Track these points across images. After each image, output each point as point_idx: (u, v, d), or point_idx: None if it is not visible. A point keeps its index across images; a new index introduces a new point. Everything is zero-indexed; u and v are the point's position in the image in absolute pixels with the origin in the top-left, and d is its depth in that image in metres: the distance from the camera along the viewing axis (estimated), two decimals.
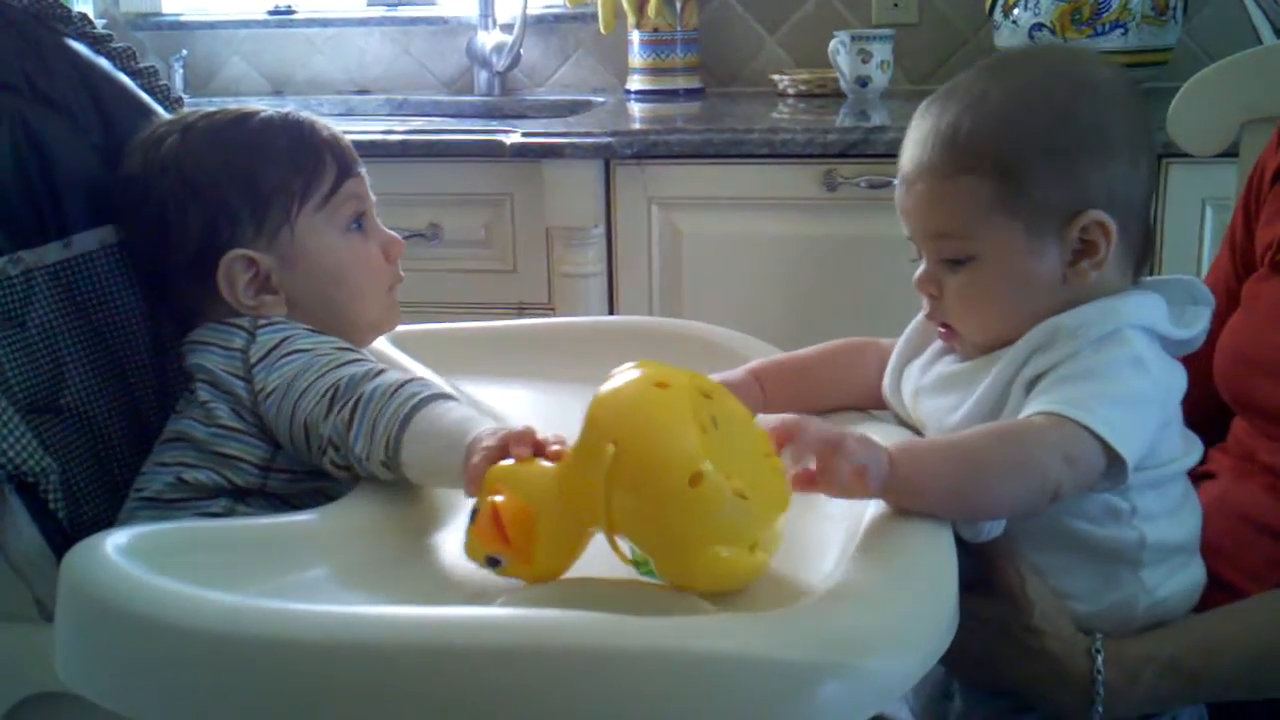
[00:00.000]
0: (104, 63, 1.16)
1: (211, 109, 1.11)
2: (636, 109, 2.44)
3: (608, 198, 2.08)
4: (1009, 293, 0.95)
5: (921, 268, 0.99)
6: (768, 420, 0.87)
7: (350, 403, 0.95)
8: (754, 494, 0.82)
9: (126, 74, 1.17)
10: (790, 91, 2.50)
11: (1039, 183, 0.93)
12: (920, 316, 1.04)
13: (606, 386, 0.83)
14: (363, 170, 1.12)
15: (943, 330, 1.00)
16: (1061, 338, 0.92)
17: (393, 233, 1.13)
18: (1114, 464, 0.87)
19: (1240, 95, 1.58)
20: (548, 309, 2.14)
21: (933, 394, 1.00)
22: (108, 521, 1.04)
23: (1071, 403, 0.87)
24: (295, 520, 0.92)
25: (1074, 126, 0.93)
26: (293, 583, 0.84)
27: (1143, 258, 0.99)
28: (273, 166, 1.07)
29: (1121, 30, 2.26)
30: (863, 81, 2.38)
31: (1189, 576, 0.98)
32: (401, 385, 0.95)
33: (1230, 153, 1.58)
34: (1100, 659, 0.94)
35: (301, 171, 1.08)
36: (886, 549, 0.83)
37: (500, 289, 2.14)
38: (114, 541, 0.80)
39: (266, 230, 1.06)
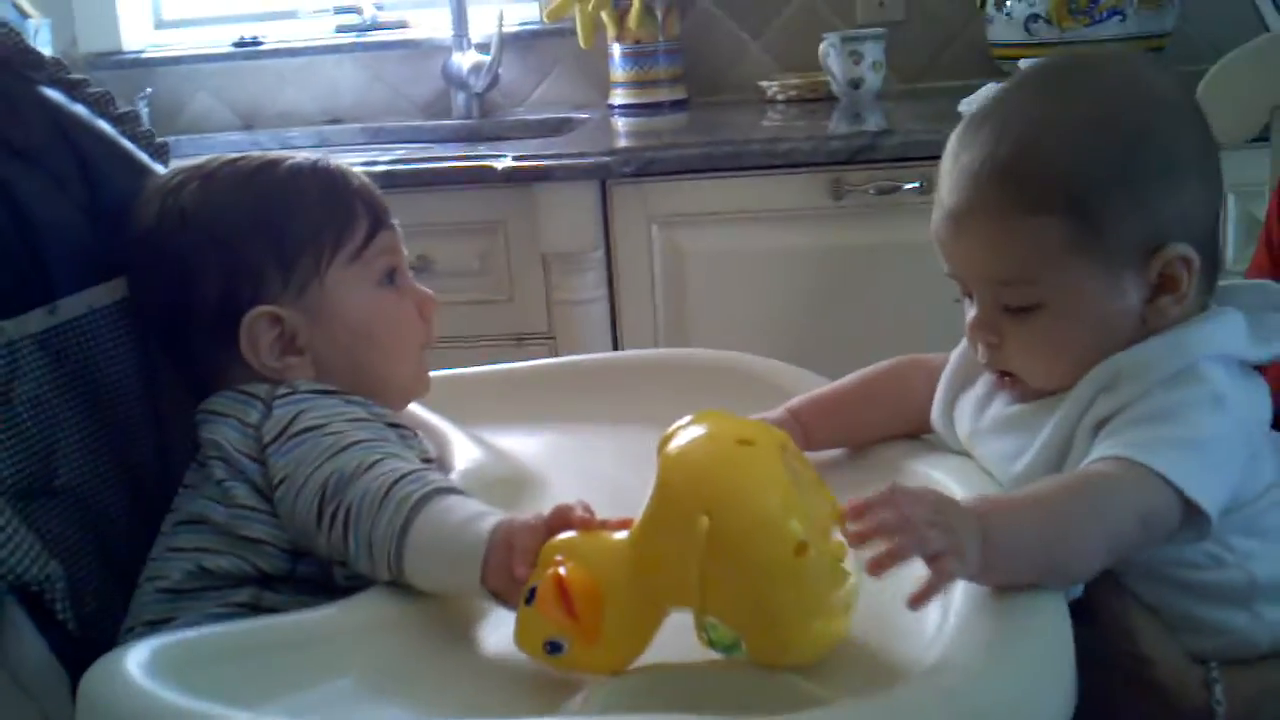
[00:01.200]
0: (81, 110, 1.06)
1: (233, 155, 1.03)
2: (622, 124, 2.37)
3: (605, 219, 2.00)
4: (1083, 338, 0.87)
5: (973, 313, 0.90)
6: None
7: (341, 514, 0.85)
8: (845, 551, 0.74)
9: (106, 120, 1.08)
10: (779, 98, 2.43)
11: (1116, 220, 0.84)
12: (965, 343, 0.96)
13: (677, 445, 0.74)
14: (395, 222, 1.04)
15: (1004, 378, 0.91)
16: (1126, 377, 0.84)
17: (426, 289, 1.05)
18: (1194, 514, 0.79)
19: (1271, 79, 1.52)
20: (548, 339, 2.06)
21: (992, 437, 0.92)
22: (115, 615, 0.95)
23: (1144, 447, 0.79)
24: (323, 615, 0.82)
25: (1148, 153, 0.85)
26: (332, 691, 0.75)
27: (1215, 278, 0.90)
28: (301, 217, 0.99)
29: (1119, 17, 2.21)
30: (855, 84, 2.31)
31: None
32: (392, 486, 0.85)
33: (1260, 138, 1.52)
34: (1218, 689, 0.86)
35: (332, 223, 0.99)
36: (993, 611, 0.75)
37: (498, 320, 2.05)
38: (135, 659, 0.71)
39: (294, 285, 0.98)
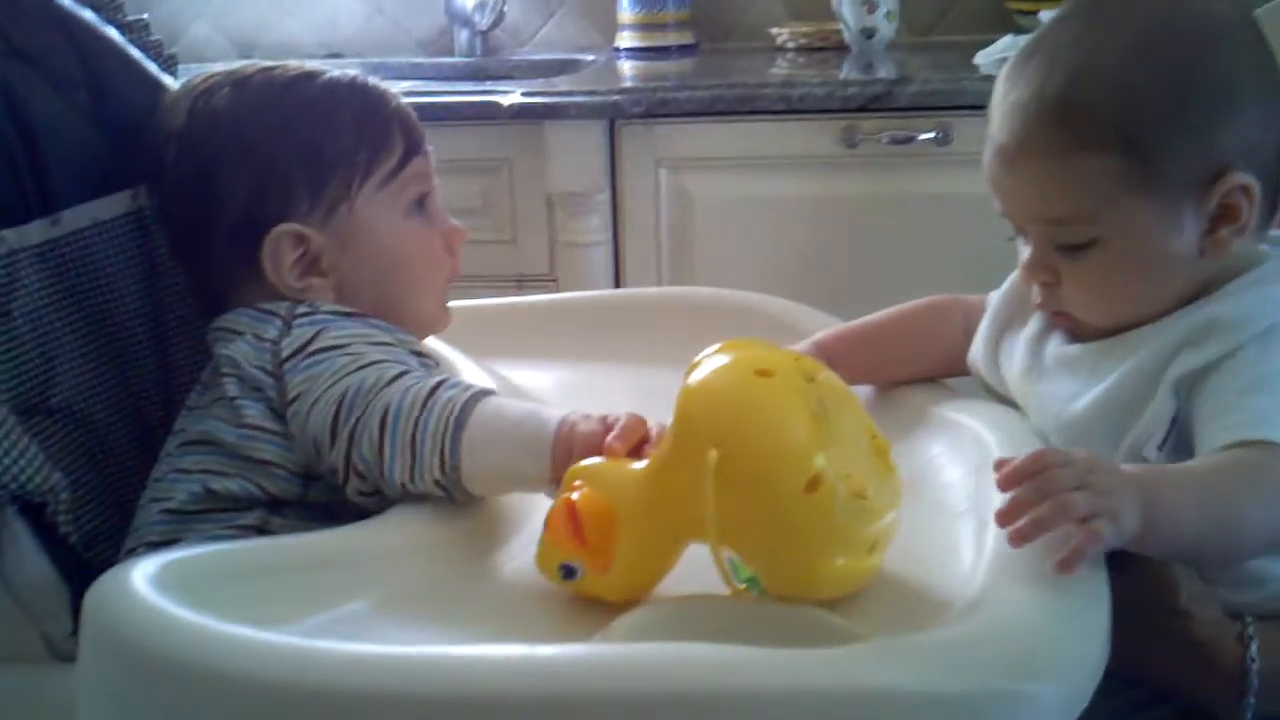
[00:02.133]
0: (88, 14, 1.02)
1: (269, 63, 0.99)
2: (628, 67, 2.32)
3: (612, 161, 1.96)
4: (1141, 275, 0.85)
5: (1028, 254, 0.88)
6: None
7: (371, 424, 0.82)
8: (868, 488, 0.71)
9: (114, 26, 1.04)
10: (790, 45, 2.38)
11: (1172, 153, 0.82)
12: (1012, 281, 0.94)
13: (697, 376, 0.72)
14: (430, 148, 1.00)
15: (1055, 315, 0.90)
16: (1217, 332, 0.81)
17: (455, 221, 1.02)
18: None
19: None
20: (549, 280, 2.02)
21: (1051, 377, 0.89)
22: (114, 538, 0.93)
23: (1268, 421, 0.77)
24: (338, 537, 0.80)
25: (1203, 82, 0.82)
26: (347, 615, 0.73)
27: (1272, 214, 0.88)
28: (336, 135, 0.95)
29: None
30: (868, 33, 2.26)
31: None
32: (435, 389, 0.82)
33: None
34: (1254, 646, 0.84)
35: (367, 143, 0.96)
36: (1028, 551, 0.72)
37: (498, 261, 2.02)
38: (144, 572, 0.68)
39: (323, 205, 0.94)
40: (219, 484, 0.86)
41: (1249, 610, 0.85)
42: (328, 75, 0.98)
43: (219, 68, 1.00)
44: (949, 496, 0.84)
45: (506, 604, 0.76)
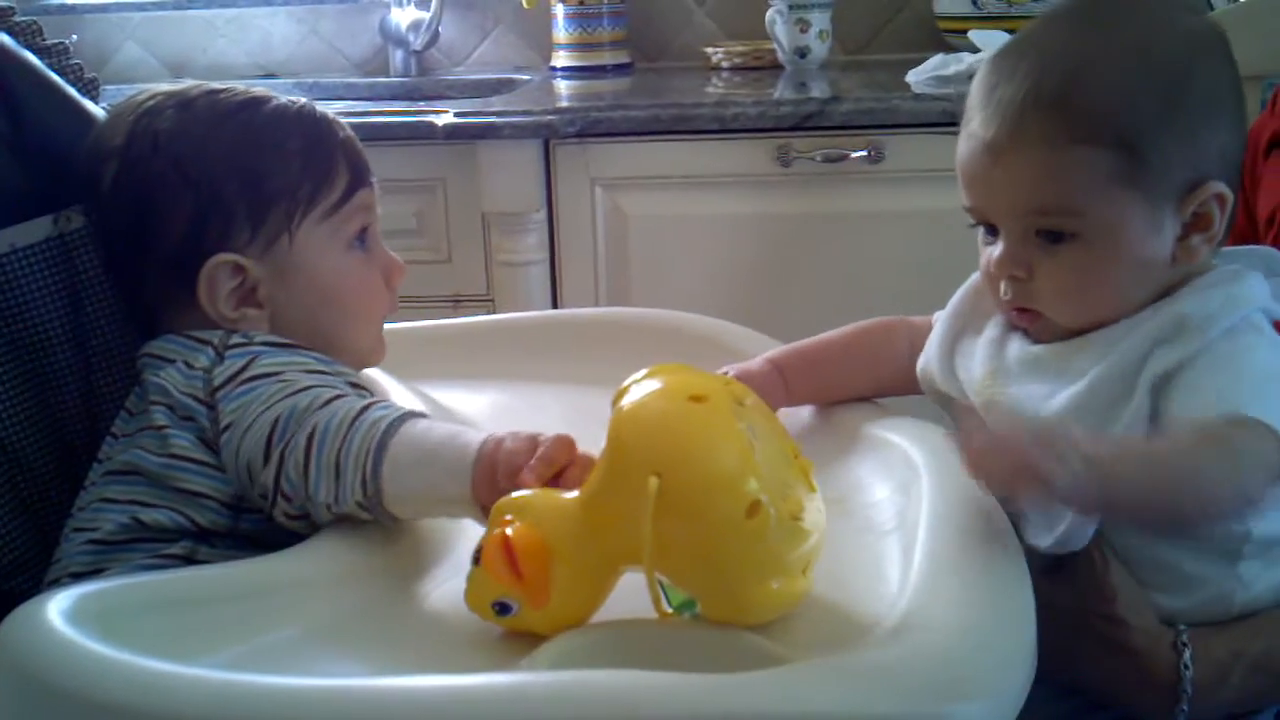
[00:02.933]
0: (5, 39, 1.01)
1: (215, 85, 0.97)
2: (564, 87, 2.32)
3: (548, 180, 1.96)
4: (1116, 273, 0.86)
5: (1001, 248, 0.89)
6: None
7: (300, 443, 0.81)
8: (802, 508, 0.72)
9: (32, 51, 1.02)
10: (724, 65, 2.40)
11: (1163, 154, 0.83)
12: (966, 288, 0.95)
13: (630, 401, 0.71)
14: (374, 180, 0.99)
15: (1020, 314, 0.90)
16: (1188, 329, 0.83)
17: (395, 256, 1.01)
18: None
19: (1249, 49, 1.51)
20: (486, 300, 2.01)
21: (1020, 378, 0.89)
22: (34, 569, 0.91)
23: (1245, 403, 0.78)
24: (260, 567, 0.78)
25: (1194, 90, 0.84)
26: (268, 646, 0.71)
27: (1231, 227, 0.90)
28: (281, 166, 0.93)
29: None
30: (801, 52, 2.28)
31: None
32: (361, 412, 0.81)
33: None
34: (1188, 653, 0.85)
35: (311, 176, 0.94)
36: (954, 568, 0.73)
37: (434, 281, 2.01)
38: (58, 605, 0.67)
39: (262, 237, 0.93)
40: (147, 515, 0.85)
41: (1182, 617, 0.87)
42: (275, 102, 0.96)
43: (163, 87, 0.98)
44: (876, 515, 0.84)
45: (431, 632, 0.75)
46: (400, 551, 0.82)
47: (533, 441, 0.78)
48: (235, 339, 0.90)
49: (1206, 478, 0.77)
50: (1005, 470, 0.72)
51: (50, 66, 1.04)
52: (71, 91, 1.04)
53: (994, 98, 0.87)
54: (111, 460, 0.89)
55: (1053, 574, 0.83)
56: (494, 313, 1.96)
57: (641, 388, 0.73)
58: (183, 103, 0.95)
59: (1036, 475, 0.70)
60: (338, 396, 0.84)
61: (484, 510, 0.75)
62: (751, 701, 0.59)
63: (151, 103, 0.95)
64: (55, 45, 1.05)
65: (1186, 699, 0.85)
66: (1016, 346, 0.91)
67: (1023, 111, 0.85)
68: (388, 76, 2.56)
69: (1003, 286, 0.89)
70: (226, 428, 0.84)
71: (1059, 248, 0.86)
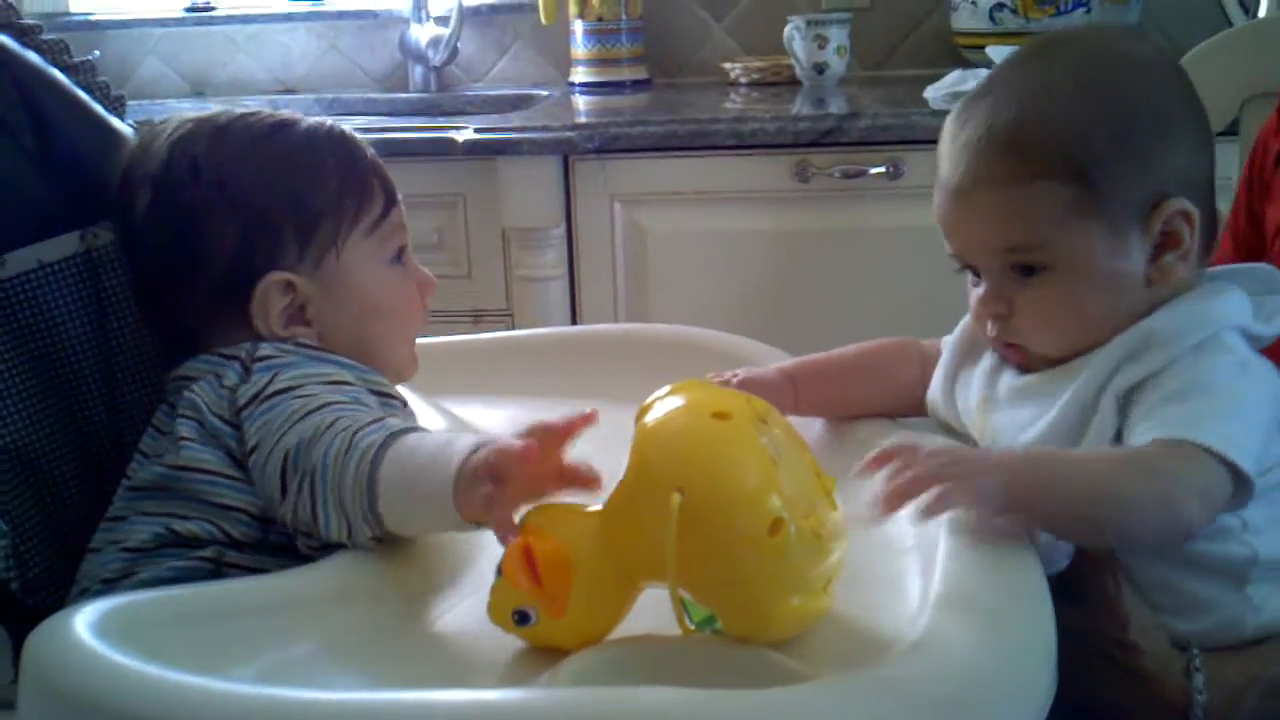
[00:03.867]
0: (33, 56, 1.02)
1: (244, 110, 0.99)
2: (583, 102, 2.33)
3: (567, 196, 1.97)
4: (1091, 300, 0.88)
5: (982, 288, 0.92)
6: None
7: (306, 482, 0.81)
8: (824, 525, 0.72)
9: (59, 69, 1.03)
10: (742, 80, 2.40)
11: (1116, 179, 0.85)
12: (966, 320, 0.96)
13: (654, 418, 0.72)
14: (401, 199, 1.01)
15: (1008, 349, 0.92)
16: (1154, 345, 0.84)
17: (427, 271, 1.03)
18: (1240, 484, 0.80)
19: (1239, 70, 1.52)
20: (505, 315, 2.02)
21: (1008, 406, 0.92)
22: (59, 584, 0.91)
23: (1189, 424, 0.80)
24: (283, 582, 0.79)
25: (1139, 113, 0.87)
26: (291, 660, 0.72)
27: (1211, 245, 0.91)
28: (321, 184, 0.95)
29: (1084, 8, 2.20)
30: (820, 68, 2.29)
31: None
32: (354, 437, 0.80)
33: (1229, 131, 1.52)
34: (1200, 678, 0.85)
35: (351, 194, 0.96)
36: (974, 586, 0.73)
37: (454, 295, 2.02)
38: (85, 619, 0.68)
39: (311, 254, 0.94)
40: (180, 525, 0.85)
41: (1196, 640, 0.87)
42: (306, 123, 0.98)
43: (191, 113, 0.99)
44: (895, 531, 0.84)
45: (448, 649, 0.75)
46: (419, 568, 0.82)
47: (510, 448, 0.74)
48: (263, 350, 0.91)
49: (1128, 498, 0.79)
50: (915, 484, 0.75)
51: (77, 84, 1.05)
52: (98, 108, 1.05)
53: (956, 143, 0.89)
54: (138, 478, 0.90)
55: (1064, 597, 0.83)
56: (513, 328, 1.97)
57: (665, 404, 0.73)
58: (217, 129, 0.96)
59: (938, 479, 0.74)
60: (340, 417, 0.83)
61: (481, 523, 0.75)
62: (771, 718, 0.59)
63: (184, 130, 0.96)
64: (82, 63, 1.06)
65: None
66: (1007, 377, 0.93)
67: (979, 153, 0.87)
68: (407, 92, 2.58)
69: (989, 325, 0.92)
70: (253, 450, 0.85)
71: (1033, 280, 0.88)
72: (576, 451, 0.99)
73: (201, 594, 0.77)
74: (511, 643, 0.75)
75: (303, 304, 0.94)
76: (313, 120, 0.99)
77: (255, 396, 0.87)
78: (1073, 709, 0.89)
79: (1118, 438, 0.85)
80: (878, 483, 0.76)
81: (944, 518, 0.80)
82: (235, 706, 0.62)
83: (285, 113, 1.00)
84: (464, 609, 0.79)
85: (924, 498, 0.74)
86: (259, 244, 0.93)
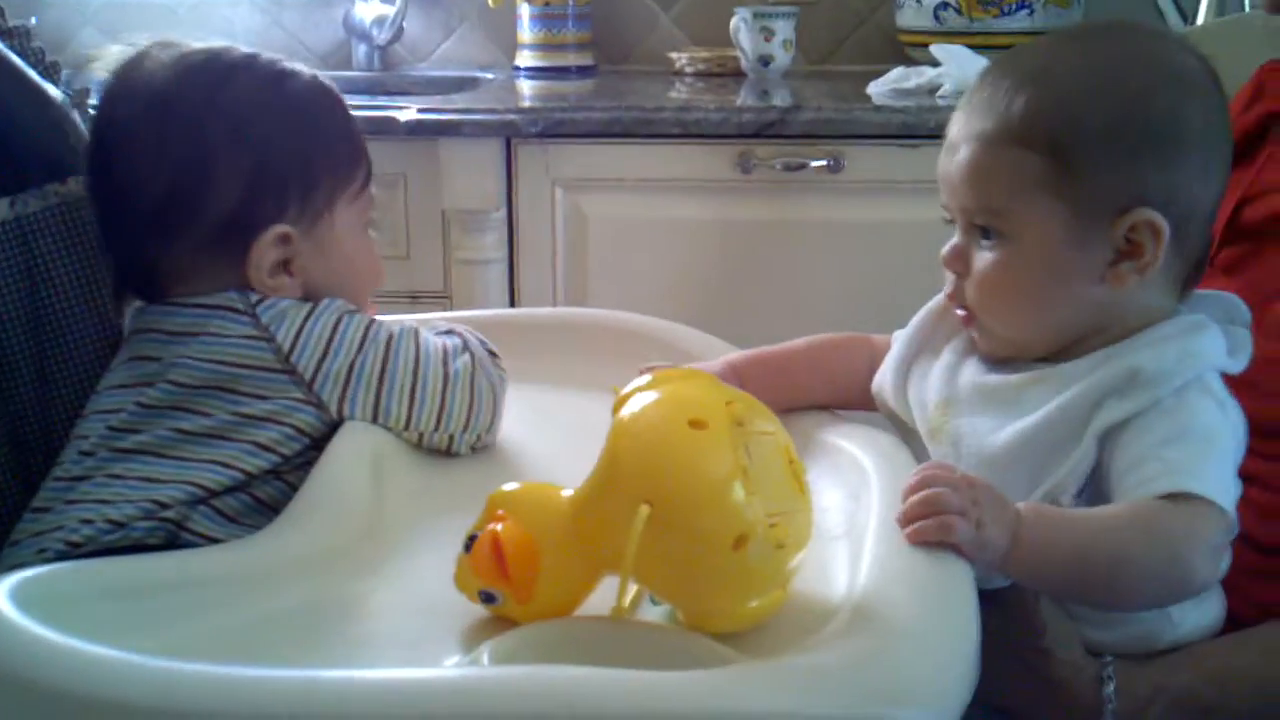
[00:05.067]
0: None
1: (243, 48, 0.99)
2: (527, 86, 2.32)
3: (508, 179, 1.96)
4: (1039, 280, 0.88)
5: (951, 241, 0.92)
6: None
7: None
8: (788, 533, 0.72)
9: None
10: (688, 70, 2.41)
11: (1092, 169, 0.85)
12: (928, 309, 0.97)
13: (630, 414, 0.71)
14: None
15: (962, 313, 0.92)
16: (1141, 384, 0.84)
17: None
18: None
19: None
20: (443, 297, 2.01)
21: (971, 410, 0.91)
22: None
23: (1189, 473, 0.80)
24: (208, 557, 0.79)
25: (1143, 117, 0.86)
26: (211, 633, 0.71)
27: (1195, 275, 0.91)
28: (325, 145, 0.97)
29: (1027, 11, 2.23)
30: (765, 61, 2.30)
31: (1212, 609, 0.91)
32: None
33: None
34: (1111, 686, 0.86)
35: (348, 156, 0.99)
36: (901, 576, 0.74)
37: (392, 276, 1.92)
38: (2, 590, 0.67)
39: (309, 212, 0.95)
40: (162, 493, 0.86)
41: (1110, 648, 0.88)
42: (304, 77, 0.99)
43: (194, 44, 0.98)
44: (826, 520, 0.85)
45: (378, 627, 0.75)
46: (356, 545, 0.82)
47: None
48: (258, 298, 0.93)
49: (1136, 562, 0.79)
50: (923, 515, 0.75)
51: (11, 48, 1.03)
52: (33, 75, 1.04)
53: (967, 102, 0.90)
54: (130, 436, 0.90)
55: (982, 599, 0.84)
56: (450, 310, 1.95)
57: (641, 400, 0.72)
58: (231, 64, 0.96)
59: (950, 529, 0.74)
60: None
61: None
62: (691, 701, 0.60)
63: (193, 59, 0.95)
64: (17, 28, 1.04)
65: None
66: (970, 374, 0.92)
67: (977, 113, 0.89)
68: (350, 71, 2.55)
69: (947, 282, 0.92)
70: (345, 383, 0.91)
71: (990, 244, 0.89)
72: (535, 436, 1.00)
73: (126, 565, 0.76)
74: (442, 619, 0.75)
75: (292, 257, 0.95)
76: (307, 71, 1.00)
77: (299, 337, 0.92)
78: (985, 709, 0.91)
79: (1091, 473, 0.85)
80: (908, 504, 0.76)
81: (874, 506, 0.82)
82: (152, 679, 0.61)
83: (280, 58, 1.00)
84: (398, 586, 0.79)
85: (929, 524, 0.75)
86: (267, 193, 0.94)
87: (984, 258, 0.89)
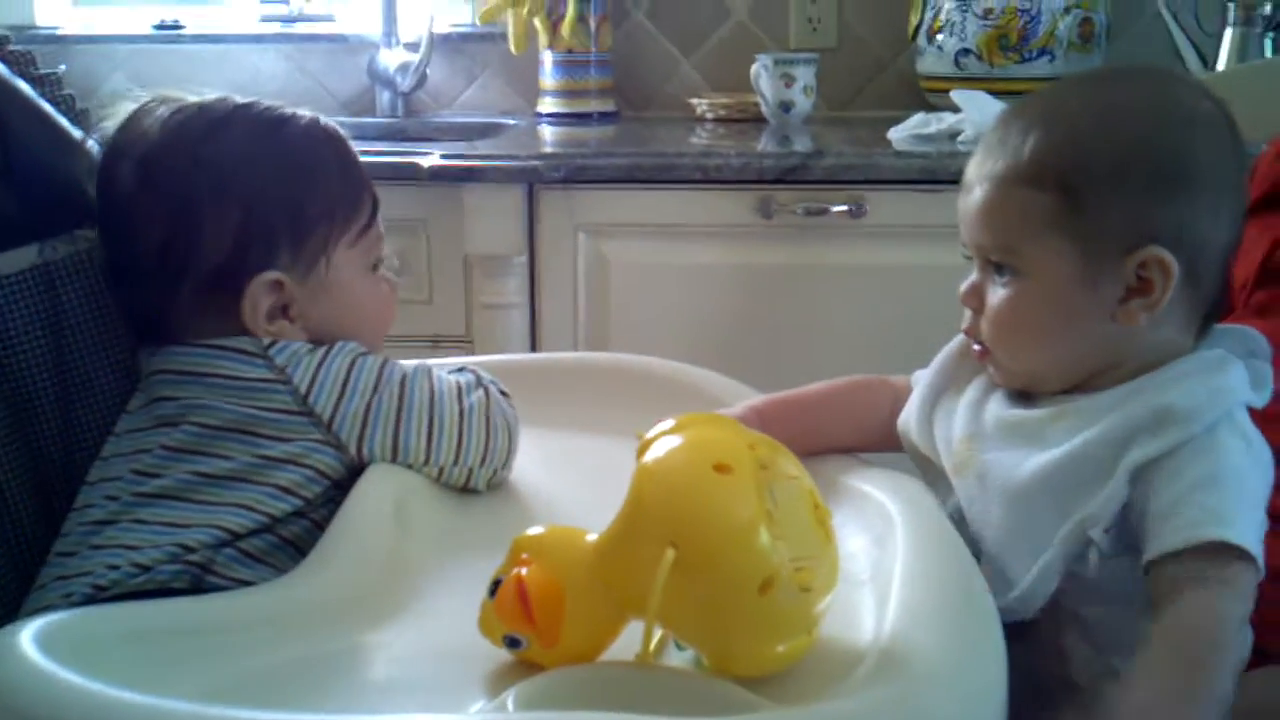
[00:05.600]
0: None
1: (240, 99, 1.00)
2: (549, 132, 2.34)
3: (530, 224, 1.97)
4: (1051, 317, 0.89)
5: (969, 278, 0.94)
6: None
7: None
8: (815, 577, 0.72)
9: (26, 81, 1.03)
10: (709, 116, 2.42)
11: (1101, 207, 0.86)
12: (951, 347, 0.98)
13: (654, 459, 0.71)
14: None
15: (978, 349, 0.94)
16: (1172, 421, 0.83)
17: (393, 277, 1.06)
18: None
19: None
20: (465, 342, 2.01)
21: (997, 444, 0.91)
22: (8, 603, 0.90)
23: (1222, 521, 0.79)
24: (237, 600, 0.79)
25: (1152, 156, 0.87)
26: (238, 679, 0.71)
27: (1213, 313, 0.92)
28: (321, 190, 0.98)
29: (1049, 57, 2.24)
30: (785, 107, 2.31)
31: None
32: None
33: None
34: None
35: (345, 200, 0.99)
36: (928, 620, 0.74)
37: (415, 321, 2.01)
38: (30, 634, 0.67)
39: (303, 259, 0.96)
40: (188, 537, 0.86)
41: None
42: (304, 121, 1.00)
43: (189, 97, 1.00)
44: (851, 566, 0.84)
45: (404, 673, 0.75)
46: (380, 590, 0.82)
47: None
48: (269, 342, 0.94)
49: (1215, 689, 0.76)
50: None
51: (42, 95, 1.04)
52: (63, 121, 1.05)
53: (985, 142, 0.92)
54: (151, 481, 0.90)
55: (1007, 634, 0.83)
56: (473, 355, 1.96)
57: (666, 444, 0.72)
58: (217, 120, 0.97)
59: None
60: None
61: None
62: None
63: (182, 116, 0.97)
64: (48, 75, 1.06)
65: None
66: (995, 407, 0.93)
67: (992, 153, 0.90)
68: (374, 117, 2.57)
69: (965, 317, 0.94)
70: (356, 421, 0.92)
71: (1002, 281, 0.90)
72: (557, 480, 1.00)
73: (153, 610, 0.76)
74: (470, 665, 0.74)
75: (289, 302, 0.96)
76: (307, 117, 1.01)
77: (315, 379, 0.93)
78: None
79: (1124, 509, 0.84)
80: None
81: (899, 551, 0.81)
82: None
83: (280, 106, 1.01)
84: (420, 632, 0.79)
85: None
86: (255, 243, 0.95)
87: (997, 294, 0.91)
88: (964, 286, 0.94)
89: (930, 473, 0.96)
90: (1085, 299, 0.87)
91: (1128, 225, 0.86)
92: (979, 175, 0.91)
